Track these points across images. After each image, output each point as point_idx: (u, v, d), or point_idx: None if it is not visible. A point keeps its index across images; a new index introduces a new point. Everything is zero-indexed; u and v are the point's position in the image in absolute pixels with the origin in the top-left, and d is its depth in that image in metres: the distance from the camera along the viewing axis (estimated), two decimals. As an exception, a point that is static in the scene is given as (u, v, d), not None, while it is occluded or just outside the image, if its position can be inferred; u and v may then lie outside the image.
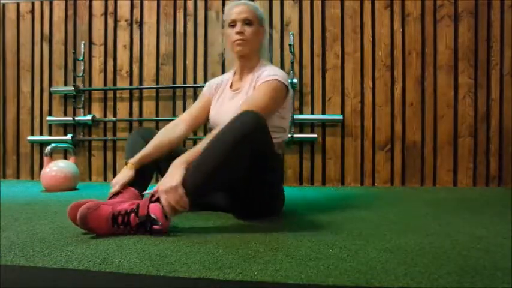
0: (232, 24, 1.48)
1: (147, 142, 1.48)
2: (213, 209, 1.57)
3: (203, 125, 1.64)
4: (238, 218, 1.42)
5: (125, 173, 1.36)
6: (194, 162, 1.18)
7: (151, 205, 1.13)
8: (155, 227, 1.11)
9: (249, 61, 1.53)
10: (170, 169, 1.19)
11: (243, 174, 1.24)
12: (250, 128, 1.18)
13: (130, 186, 1.34)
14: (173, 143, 1.49)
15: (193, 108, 1.63)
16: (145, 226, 1.11)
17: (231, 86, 1.59)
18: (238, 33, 1.46)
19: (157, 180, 1.65)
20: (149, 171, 1.48)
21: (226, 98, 1.56)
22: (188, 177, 1.15)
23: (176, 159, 1.22)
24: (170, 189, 1.12)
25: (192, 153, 1.23)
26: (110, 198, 1.28)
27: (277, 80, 1.40)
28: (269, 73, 1.43)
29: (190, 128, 1.58)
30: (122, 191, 1.29)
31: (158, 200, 1.14)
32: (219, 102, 1.59)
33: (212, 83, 1.67)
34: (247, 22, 1.47)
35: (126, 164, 1.39)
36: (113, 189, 1.31)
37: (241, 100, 1.47)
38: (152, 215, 1.11)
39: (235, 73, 1.61)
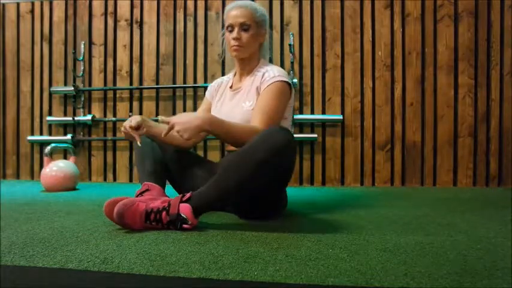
0: (230, 28, 1.47)
1: (155, 141, 1.50)
2: (215, 209, 1.58)
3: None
4: (241, 217, 1.43)
5: (134, 118, 1.40)
6: (217, 177, 1.20)
7: (182, 205, 1.18)
8: (185, 226, 1.18)
9: (248, 63, 1.53)
10: (192, 114, 1.26)
11: (263, 190, 1.27)
12: (283, 149, 1.16)
13: (154, 183, 1.36)
14: (178, 139, 1.50)
15: (200, 111, 1.66)
16: (175, 224, 1.17)
17: (231, 87, 1.59)
18: (235, 39, 1.45)
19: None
20: (164, 174, 1.49)
21: (227, 99, 1.57)
22: (205, 190, 1.20)
23: (208, 114, 1.30)
24: (188, 124, 1.20)
25: (218, 122, 1.26)
26: (138, 194, 1.31)
27: (281, 81, 1.41)
28: (272, 74, 1.43)
29: None
30: (149, 189, 1.32)
31: (187, 200, 1.19)
32: (219, 103, 1.59)
33: (212, 85, 1.68)
34: (244, 27, 1.44)
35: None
36: (122, 128, 1.41)
37: (241, 99, 1.48)
38: (182, 215, 1.17)
39: (235, 74, 1.61)
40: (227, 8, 1.50)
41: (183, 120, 1.21)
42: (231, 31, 1.47)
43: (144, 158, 1.46)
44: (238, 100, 1.49)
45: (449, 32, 2.67)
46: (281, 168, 1.22)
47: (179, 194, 1.50)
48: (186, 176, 1.55)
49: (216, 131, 1.26)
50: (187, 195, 1.20)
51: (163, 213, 1.18)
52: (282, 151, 1.16)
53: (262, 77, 1.45)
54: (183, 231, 1.17)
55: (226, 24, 1.48)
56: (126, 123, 1.40)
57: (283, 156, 1.19)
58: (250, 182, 1.18)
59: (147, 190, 1.32)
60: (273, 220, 1.38)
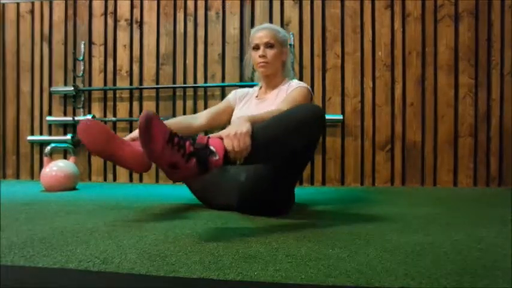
0: (256, 47, 1.62)
1: None
2: (219, 208, 1.59)
3: (219, 127, 1.68)
4: (249, 214, 1.45)
5: None
6: (263, 123, 1.22)
7: (211, 139, 1.11)
8: (213, 158, 1.07)
9: (272, 79, 1.67)
10: (237, 121, 1.21)
11: (290, 156, 1.31)
12: (315, 113, 1.26)
13: None
14: (191, 129, 1.62)
15: (214, 108, 1.76)
16: (200, 156, 1.05)
17: (256, 96, 1.71)
18: (261, 56, 1.60)
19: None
20: None
21: (252, 105, 1.68)
22: (256, 132, 1.17)
23: (240, 116, 1.31)
24: (239, 134, 1.12)
25: (256, 117, 1.28)
26: None
27: (306, 87, 1.58)
28: (297, 82, 1.61)
29: (208, 123, 1.70)
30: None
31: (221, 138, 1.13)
32: (244, 108, 1.70)
33: (238, 92, 1.79)
34: (269, 45, 1.60)
35: None
36: (132, 135, 1.40)
37: (266, 107, 1.56)
38: (211, 147, 1.08)
39: (261, 87, 1.74)
40: (252, 30, 1.67)
41: (233, 132, 1.13)
42: (257, 49, 1.62)
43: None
44: (263, 108, 1.58)
45: (449, 32, 2.67)
46: (310, 136, 1.30)
47: (194, 195, 1.66)
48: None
49: (258, 118, 1.28)
50: (217, 136, 1.13)
51: (188, 142, 1.06)
52: (317, 119, 1.26)
53: (288, 89, 1.60)
54: (183, 231, 1.16)
55: (252, 45, 1.64)
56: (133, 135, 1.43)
57: (316, 124, 1.27)
58: (288, 138, 1.22)
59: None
60: (273, 220, 1.38)
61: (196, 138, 1.09)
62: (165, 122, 1.39)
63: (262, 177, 1.38)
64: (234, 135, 1.11)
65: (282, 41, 1.64)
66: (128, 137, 1.44)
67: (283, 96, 1.58)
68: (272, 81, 1.68)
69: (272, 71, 1.64)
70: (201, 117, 1.70)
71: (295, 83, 1.62)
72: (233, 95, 1.79)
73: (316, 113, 1.27)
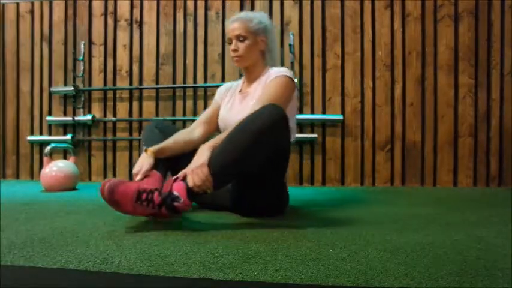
0: (229, 41, 1.57)
1: (163, 133, 1.53)
2: (217, 209, 1.58)
3: (217, 130, 1.68)
4: (243, 215, 1.43)
5: (146, 160, 1.36)
6: (218, 147, 1.25)
7: (175, 183, 1.18)
8: (176, 203, 1.14)
9: (252, 71, 1.61)
10: (197, 152, 1.28)
11: (262, 166, 1.30)
12: (273, 119, 1.23)
13: (155, 171, 1.34)
14: (192, 144, 1.53)
15: (205, 115, 1.71)
16: (167, 204, 1.15)
17: (240, 91, 1.66)
18: (233, 50, 1.54)
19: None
20: (166, 166, 1.49)
21: (236, 102, 1.63)
22: (212, 159, 1.22)
23: (202, 145, 1.31)
24: (196, 169, 1.19)
25: (217, 140, 1.31)
26: None
27: (284, 75, 1.48)
28: (276, 70, 1.52)
29: (205, 132, 1.65)
30: (149, 175, 1.30)
31: (183, 180, 1.18)
32: (228, 105, 1.65)
33: (222, 88, 1.75)
34: (240, 39, 1.53)
35: (145, 151, 1.40)
36: (137, 178, 1.31)
37: (250, 102, 1.53)
38: (175, 192, 1.16)
39: (244, 81, 1.68)
40: (226, 23, 1.60)
41: (191, 169, 1.21)
42: (230, 44, 1.56)
43: (152, 145, 1.46)
44: (247, 103, 1.56)
45: (449, 32, 2.67)
46: (275, 143, 1.27)
47: None
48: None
49: (219, 140, 1.30)
50: (182, 175, 1.20)
51: (156, 193, 1.16)
52: (272, 123, 1.22)
53: (268, 77, 1.52)
54: (183, 231, 1.16)
55: (226, 39, 1.59)
56: (143, 169, 1.32)
57: (274, 129, 1.24)
58: (247, 154, 1.21)
59: (146, 176, 1.30)
60: (273, 220, 1.38)
61: (163, 186, 1.19)
62: (163, 145, 1.44)
63: (245, 185, 1.38)
64: (192, 171, 1.19)
65: (256, 29, 1.54)
66: (139, 175, 1.32)
67: (262, 87, 1.52)
68: (252, 73, 1.61)
69: (248, 64, 1.57)
70: (198, 128, 1.63)
71: (274, 71, 1.52)
72: (218, 93, 1.74)
73: (274, 116, 1.23)
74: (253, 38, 1.54)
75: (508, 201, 1.90)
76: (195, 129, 1.62)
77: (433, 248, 0.99)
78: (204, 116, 1.70)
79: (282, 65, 2.78)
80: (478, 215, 1.51)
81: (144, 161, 1.35)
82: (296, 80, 2.68)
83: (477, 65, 2.64)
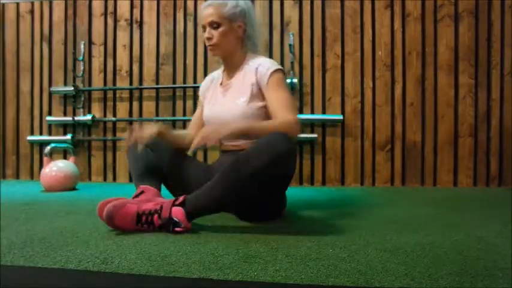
0: (203, 29, 1.47)
1: (148, 146, 1.45)
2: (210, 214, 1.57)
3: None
4: (242, 219, 1.42)
5: (149, 129, 1.35)
6: (212, 184, 1.18)
7: (174, 208, 1.16)
8: (177, 229, 1.14)
9: (230, 60, 1.52)
10: (217, 126, 1.24)
11: (259, 198, 1.26)
12: (281, 159, 1.13)
13: (149, 185, 1.33)
14: (188, 145, 1.47)
15: (195, 118, 1.66)
16: (167, 228, 1.14)
17: (221, 84, 1.57)
18: (207, 38, 1.45)
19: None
20: (158, 175, 1.47)
21: (218, 96, 1.55)
22: (200, 196, 1.18)
23: (232, 124, 1.26)
24: (215, 132, 1.19)
25: (242, 127, 1.25)
26: (134, 197, 1.27)
27: (277, 70, 1.43)
28: (266, 66, 1.43)
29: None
30: (144, 191, 1.29)
31: (181, 204, 1.16)
32: (211, 102, 1.57)
33: (202, 86, 1.67)
34: (214, 26, 1.44)
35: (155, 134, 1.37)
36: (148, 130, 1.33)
37: (233, 96, 1.46)
38: (175, 218, 1.14)
39: (223, 70, 1.60)
40: (200, 9, 1.52)
41: (212, 129, 1.20)
42: (204, 31, 1.47)
43: (137, 161, 1.43)
44: (231, 96, 1.48)
45: (449, 32, 2.67)
46: (278, 177, 1.20)
47: (174, 196, 1.45)
48: (181, 179, 1.51)
49: (250, 132, 1.26)
50: (180, 198, 1.17)
51: (155, 216, 1.16)
52: (280, 161, 1.13)
53: (257, 72, 1.44)
54: (180, 235, 1.16)
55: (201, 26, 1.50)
56: (148, 131, 1.34)
57: (281, 166, 1.15)
58: (245, 192, 1.17)
59: (142, 193, 1.28)
60: (273, 220, 1.38)
61: (162, 208, 1.16)
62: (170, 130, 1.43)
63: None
64: (203, 137, 1.17)
65: (231, 14, 1.43)
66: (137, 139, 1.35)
67: (251, 79, 1.44)
68: (230, 63, 1.52)
69: (224, 52, 1.48)
70: (192, 131, 1.59)
71: (264, 65, 1.43)
72: (200, 92, 1.67)
73: (276, 153, 1.11)
74: (228, 24, 1.44)
75: (508, 201, 1.90)
76: (190, 135, 1.55)
77: (433, 248, 0.99)
78: (193, 119, 1.66)
79: (282, 65, 2.78)
80: (478, 215, 1.51)
81: (147, 130, 1.34)
82: (296, 80, 2.70)
83: (477, 65, 2.64)
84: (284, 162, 1.15)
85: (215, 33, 1.44)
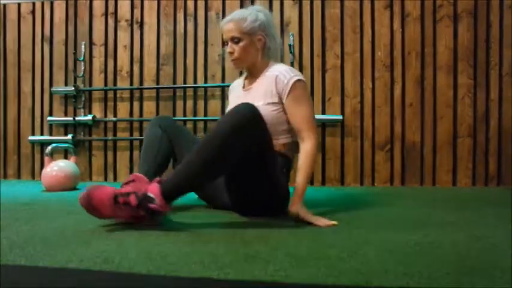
0: (226, 44, 1.53)
1: (166, 134, 1.53)
2: (218, 207, 1.59)
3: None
4: (242, 215, 1.43)
5: None
6: (185, 159, 1.23)
7: (150, 185, 1.17)
8: (151, 205, 1.14)
9: (254, 69, 1.57)
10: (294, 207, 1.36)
11: (237, 169, 1.27)
12: (242, 121, 1.20)
13: (144, 175, 1.33)
14: None
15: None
16: (144, 206, 1.14)
17: (243, 87, 1.64)
18: (229, 53, 1.51)
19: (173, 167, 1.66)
20: (160, 169, 1.52)
21: (240, 98, 1.59)
22: (174, 173, 1.21)
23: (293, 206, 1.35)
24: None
25: (300, 190, 1.41)
26: (123, 184, 1.26)
27: (298, 80, 1.46)
28: (287, 76, 1.46)
29: None
30: (135, 180, 1.27)
31: (159, 182, 1.17)
32: (232, 103, 1.63)
33: (231, 88, 1.74)
34: (235, 41, 1.49)
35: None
36: None
37: (252, 99, 1.49)
38: (149, 194, 1.14)
39: (246, 77, 1.66)
40: (221, 24, 1.55)
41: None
42: (226, 45, 1.53)
43: (147, 150, 1.46)
44: (251, 99, 1.51)
45: (448, 32, 2.67)
46: (247, 145, 1.22)
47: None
48: None
49: (305, 186, 1.41)
50: (158, 178, 1.20)
51: (132, 195, 1.15)
52: (243, 126, 1.19)
53: (277, 81, 1.47)
54: (183, 231, 1.17)
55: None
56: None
57: (245, 132, 1.20)
58: (215, 160, 1.19)
59: (132, 181, 1.26)
60: (273, 219, 1.38)
61: (141, 190, 1.17)
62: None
63: (242, 184, 1.37)
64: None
65: (251, 29, 1.48)
66: None
67: (270, 87, 1.48)
68: (253, 71, 1.57)
69: (246, 64, 1.54)
70: None
71: (284, 74, 1.47)
72: (229, 92, 1.75)
73: (238, 119, 1.19)
74: (248, 39, 1.49)
75: (507, 201, 1.90)
76: None
77: (432, 247, 0.99)
78: None
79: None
80: (477, 214, 1.51)
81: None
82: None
83: (476, 65, 2.64)
84: (246, 127, 1.20)
85: (236, 48, 1.49)
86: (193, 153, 1.20)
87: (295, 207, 1.33)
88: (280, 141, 1.50)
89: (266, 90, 1.49)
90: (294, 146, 1.55)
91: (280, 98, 1.47)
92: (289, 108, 1.46)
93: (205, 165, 1.19)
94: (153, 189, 1.15)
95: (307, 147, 1.42)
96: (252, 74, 1.59)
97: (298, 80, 1.46)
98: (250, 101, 1.49)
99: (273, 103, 1.47)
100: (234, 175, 1.34)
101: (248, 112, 1.22)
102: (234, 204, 1.47)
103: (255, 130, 1.25)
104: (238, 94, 1.64)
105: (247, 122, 1.21)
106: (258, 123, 1.26)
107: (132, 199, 1.15)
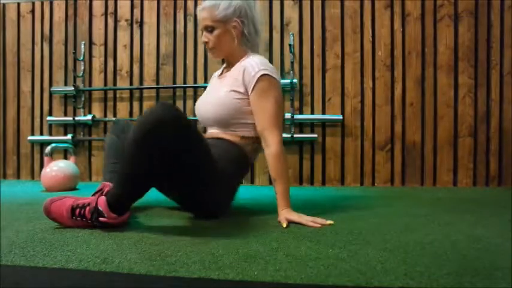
0: (202, 32, 1.50)
1: (119, 138, 1.50)
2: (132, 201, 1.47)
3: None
4: (196, 217, 1.43)
5: None
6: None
7: (100, 198, 1.17)
8: (101, 219, 1.15)
9: (231, 59, 1.52)
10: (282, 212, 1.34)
11: (154, 173, 1.18)
12: (143, 131, 1.11)
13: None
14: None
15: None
16: (96, 220, 1.16)
17: (220, 75, 1.60)
18: (204, 42, 1.49)
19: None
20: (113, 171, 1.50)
21: (213, 87, 1.58)
22: (114, 184, 1.21)
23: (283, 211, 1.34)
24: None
25: (286, 201, 1.38)
26: (93, 194, 1.26)
27: (263, 75, 1.38)
28: (251, 70, 1.39)
29: None
30: (103, 188, 1.27)
31: (106, 194, 1.18)
32: (206, 92, 1.61)
33: (211, 77, 1.73)
34: (209, 29, 1.44)
35: None
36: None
37: (223, 86, 1.46)
38: (99, 207, 1.16)
39: (225, 65, 1.62)
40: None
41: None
42: (203, 33, 1.49)
43: (107, 160, 1.45)
44: (221, 87, 1.49)
45: (449, 32, 2.67)
46: (161, 148, 1.12)
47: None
48: None
49: (286, 192, 1.37)
50: (107, 188, 1.21)
51: (87, 208, 1.17)
52: (144, 137, 1.10)
53: (244, 72, 1.41)
54: (183, 231, 1.17)
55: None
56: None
57: (155, 135, 1.10)
58: (131, 166, 1.14)
59: (100, 190, 1.26)
60: (272, 220, 1.37)
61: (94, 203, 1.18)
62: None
63: (180, 187, 1.33)
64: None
65: (224, 16, 1.40)
66: None
67: (238, 75, 1.41)
68: (231, 60, 1.52)
69: (223, 53, 1.50)
70: None
71: (252, 66, 1.39)
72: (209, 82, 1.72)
73: (148, 122, 1.11)
74: (222, 27, 1.42)
75: (507, 201, 1.90)
76: None
77: (432, 247, 0.99)
78: None
79: (282, 64, 2.79)
80: (477, 214, 1.51)
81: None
82: (295, 80, 2.70)
83: (477, 65, 2.64)
84: (148, 135, 1.11)
85: (210, 37, 1.45)
86: (120, 165, 1.22)
87: (282, 217, 1.30)
88: (238, 132, 1.44)
89: (235, 79, 1.44)
90: (256, 146, 1.48)
91: (246, 91, 1.41)
92: (253, 104, 1.39)
93: (128, 178, 1.17)
94: (101, 202, 1.16)
95: (272, 150, 1.34)
96: (230, 63, 1.54)
97: (265, 74, 1.38)
98: (221, 89, 1.46)
99: (238, 92, 1.42)
100: (171, 180, 1.28)
101: (152, 119, 1.11)
102: (184, 207, 1.46)
103: (163, 135, 1.12)
104: (213, 82, 1.62)
105: (148, 132, 1.11)
106: (166, 127, 1.12)
107: (87, 212, 1.17)
